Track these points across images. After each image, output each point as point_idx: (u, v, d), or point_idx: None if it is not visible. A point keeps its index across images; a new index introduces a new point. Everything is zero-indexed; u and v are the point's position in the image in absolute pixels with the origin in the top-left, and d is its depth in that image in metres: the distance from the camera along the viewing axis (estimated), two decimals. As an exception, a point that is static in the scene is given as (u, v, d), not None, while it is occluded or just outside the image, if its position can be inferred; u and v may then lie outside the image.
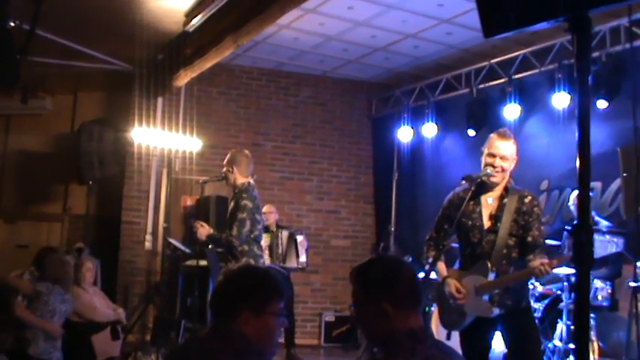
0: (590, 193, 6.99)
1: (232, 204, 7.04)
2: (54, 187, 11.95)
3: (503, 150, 4.76)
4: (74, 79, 11.43)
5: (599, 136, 7.69)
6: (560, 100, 8.36)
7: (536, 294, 7.30)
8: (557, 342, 6.92)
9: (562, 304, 6.99)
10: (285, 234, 9.45)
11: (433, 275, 4.99)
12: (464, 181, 4.83)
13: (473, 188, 4.78)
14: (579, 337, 2.19)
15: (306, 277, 11.34)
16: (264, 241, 9.02)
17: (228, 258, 6.87)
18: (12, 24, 6.31)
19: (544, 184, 8.91)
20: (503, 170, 4.77)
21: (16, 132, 11.77)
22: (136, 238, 11.03)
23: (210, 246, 7.35)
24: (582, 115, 2.20)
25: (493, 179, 4.78)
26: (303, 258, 9.46)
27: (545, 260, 4.51)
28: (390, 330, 2.66)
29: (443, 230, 4.99)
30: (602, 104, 7.87)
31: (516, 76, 9.34)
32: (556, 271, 5.98)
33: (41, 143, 11.87)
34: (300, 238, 9.52)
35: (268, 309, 2.82)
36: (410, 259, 8.98)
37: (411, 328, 2.68)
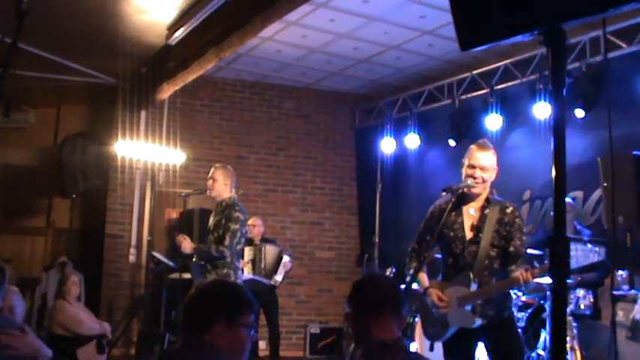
0: (571, 201, 7.01)
1: (218, 217, 7.08)
2: (37, 201, 11.90)
3: (483, 161, 4.80)
4: (57, 92, 11.41)
5: (581, 146, 7.74)
6: (541, 110, 8.41)
7: (519, 303, 7.32)
8: (540, 351, 6.94)
9: (545, 314, 7.02)
10: (270, 249, 9.40)
11: (416, 286, 5.02)
12: (444, 193, 4.87)
13: (454, 199, 4.81)
14: (556, 347, 2.21)
15: (291, 289, 11.34)
16: (248, 254, 9.03)
17: (208, 269, 6.93)
18: (-7, 38, 6.30)
19: (526, 194, 8.96)
20: (483, 181, 4.81)
21: (-1, 145, 11.75)
22: (119, 251, 10.98)
23: (194, 259, 7.37)
24: (558, 125, 2.22)
25: (474, 190, 4.82)
26: (279, 277, 9.36)
27: (527, 270, 4.54)
28: (357, 340, 2.82)
29: (425, 241, 5.01)
30: (581, 114, 7.92)
31: (498, 87, 9.40)
32: (539, 280, 6.01)
33: (24, 156, 11.83)
34: (286, 258, 9.45)
35: (241, 321, 2.86)
36: (394, 269, 8.99)
37: (382, 340, 2.76)
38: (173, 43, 8.99)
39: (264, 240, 9.60)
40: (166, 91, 9.85)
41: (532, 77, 8.87)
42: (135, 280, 10.94)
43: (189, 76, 9.20)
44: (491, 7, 2.34)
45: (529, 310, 7.35)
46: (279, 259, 9.36)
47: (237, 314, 2.86)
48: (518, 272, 4.54)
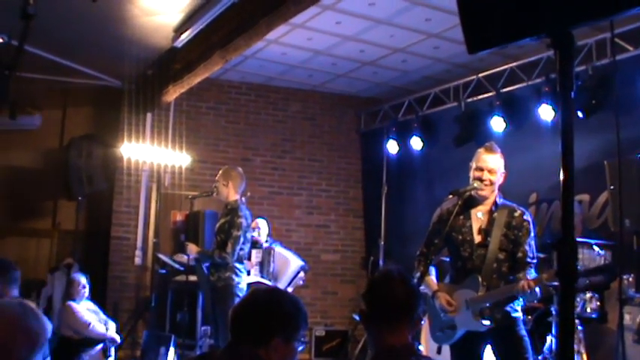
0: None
1: (223, 219, 7.12)
2: (43, 203, 11.88)
3: (490, 163, 4.81)
4: (63, 95, 11.42)
5: (587, 149, 7.70)
6: (546, 113, 8.39)
7: (526, 307, 7.28)
8: (546, 355, 6.92)
9: (551, 317, 6.99)
10: (286, 257, 9.37)
11: (423, 288, 5.01)
12: (451, 196, 4.87)
13: (460, 202, 4.81)
14: (563, 351, 2.20)
15: (296, 292, 11.25)
16: (256, 256, 9.04)
17: (211, 271, 7.00)
18: (0, 40, 6.31)
19: (532, 197, 8.92)
20: (491, 183, 4.82)
21: (4, 148, 11.72)
22: (125, 253, 10.98)
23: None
24: (566, 128, 2.22)
25: (482, 193, 4.82)
26: (290, 289, 9.39)
27: (531, 278, 4.55)
28: (375, 346, 2.76)
29: (433, 245, 5.02)
30: (588, 117, 7.88)
31: (504, 90, 9.38)
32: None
33: (30, 159, 11.80)
34: (301, 274, 9.48)
35: (298, 336, 2.83)
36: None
37: (392, 346, 2.74)
38: (179, 45, 8.99)
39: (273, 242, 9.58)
40: (172, 94, 9.84)
41: (538, 80, 8.84)
42: (140, 283, 10.94)
43: (195, 79, 9.20)
44: (500, 10, 2.34)
45: (535, 314, 7.33)
46: (297, 273, 9.39)
47: (296, 330, 2.81)
48: (523, 282, 4.55)
